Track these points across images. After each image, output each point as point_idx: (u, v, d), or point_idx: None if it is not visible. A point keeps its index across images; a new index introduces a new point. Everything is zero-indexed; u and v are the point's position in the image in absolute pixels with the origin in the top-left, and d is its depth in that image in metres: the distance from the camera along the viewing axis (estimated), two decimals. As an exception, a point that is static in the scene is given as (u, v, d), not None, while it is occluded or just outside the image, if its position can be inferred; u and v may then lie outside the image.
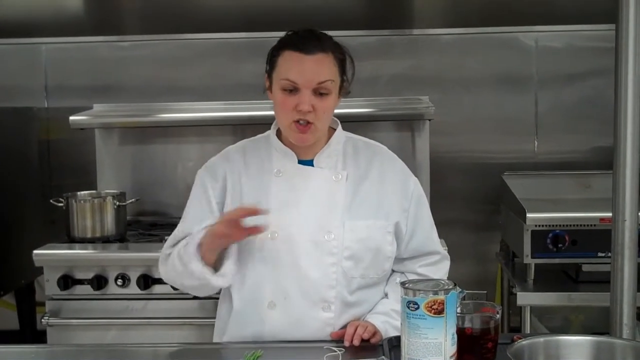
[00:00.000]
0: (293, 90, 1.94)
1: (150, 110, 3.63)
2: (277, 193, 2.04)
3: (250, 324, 2.04)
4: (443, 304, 1.63)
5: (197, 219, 2.08)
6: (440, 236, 3.22)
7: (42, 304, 3.63)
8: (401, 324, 1.68)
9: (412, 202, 2.12)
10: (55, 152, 3.95)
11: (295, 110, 1.94)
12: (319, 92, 1.95)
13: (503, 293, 3.67)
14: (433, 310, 1.63)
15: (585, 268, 3.12)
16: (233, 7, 3.79)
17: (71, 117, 3.56)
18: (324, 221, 2.03)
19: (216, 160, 2.14)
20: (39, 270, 3.37)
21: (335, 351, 1.88)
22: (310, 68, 1.94)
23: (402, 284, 1.69)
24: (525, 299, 3.07)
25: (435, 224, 3.48)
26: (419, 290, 1.64)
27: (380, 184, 2.08)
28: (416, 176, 3.62)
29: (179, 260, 2.02)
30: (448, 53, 3.89)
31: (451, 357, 1.64)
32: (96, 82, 3.97)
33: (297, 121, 1.96)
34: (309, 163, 2.07)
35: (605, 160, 3.72)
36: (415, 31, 3.93)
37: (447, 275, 2.19)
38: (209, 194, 2.09)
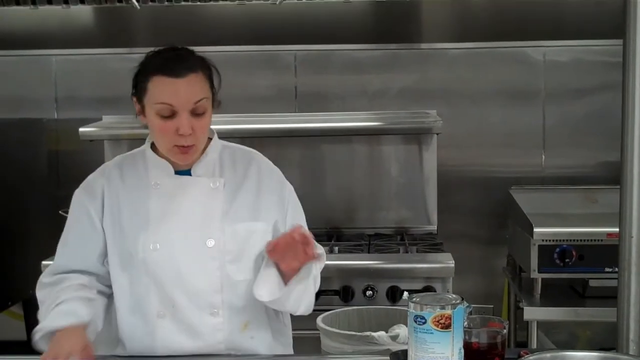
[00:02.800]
0: (170, 115, 1.94)
1: (159, 122, 3.65)
2: (156, 205, 2.04)
3: (141, 335, 2.04)
4: (450, 318, 1.63)
5: (80, 242, 2.06)
6: (446, 250, 3.27)
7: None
8: (408, 338, 1.69)
9: (289, 207, 2.15)
10: (64, 163, 3.97)
11: (176, 134, 1.94)
12: (196, 112, 1.95)
13: (510, 307, 3.66)
14: (440, 325, 1.63)
15: (592, 283, 3.12)
16: (243, 20, 3.82)
17: (80, 129, 3.59)
18: (204, 228, 2.04)
19: (93, 178, 2.13)
20: (47, 281, 3.39)
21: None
22: (183, 90, 1.93)
23: (410, 298, 1.69)
24: (532, 313, 3.07)
25: (443, 238, 3.54)
26: (426, 304, 1.65)
27: (257, 189, 2.11)
28: (424, 190, 3.74)
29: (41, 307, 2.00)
30: (456, 67, 3.90)
31: (458, 371, 1.65)
32: (106, 94, 3.99)
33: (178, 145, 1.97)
34: (187, 173, 2.08)
35: (613, 175, 3.73)
36: (424, 45, 3.94)
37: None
38: (90, 212, 2.06)
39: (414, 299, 1.68)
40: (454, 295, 1.71)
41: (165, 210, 2.04)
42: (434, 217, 3.73)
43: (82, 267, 2.04)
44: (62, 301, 1.94)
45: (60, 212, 3.41)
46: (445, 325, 1.63)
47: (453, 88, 3.90)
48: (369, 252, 3.32)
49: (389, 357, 1.99)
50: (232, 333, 2.05)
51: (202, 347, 2.02)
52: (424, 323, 1.64)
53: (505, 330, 1.75)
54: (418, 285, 3.08)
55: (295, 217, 2.15)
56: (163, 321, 2.02)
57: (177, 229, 2.03)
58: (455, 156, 3.86)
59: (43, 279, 2.07)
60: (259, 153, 2.21)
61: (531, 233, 3.07)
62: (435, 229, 3.71)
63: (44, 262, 3.20)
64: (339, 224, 3.74)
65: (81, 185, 2.13)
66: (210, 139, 2.11)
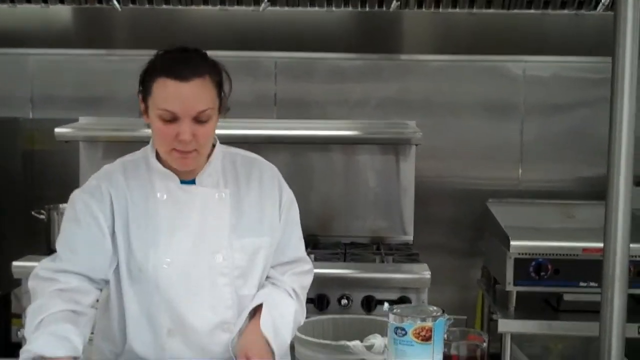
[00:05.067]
0: (172, 119, 1.89)
1: (136, 125, 3.61)
2: (164, 218, 2.00)
3: (150, 350, 2.00)
4: (431, 330, 1.63)
5: (89, 249, 1.97)
6: (422, 260, 3.27)
7: (17, 316, 3.61)
8: (387, 348, 1.68)
9: (283, 212, 2.12)
10: (38, 164, 3.91)
11: (176, 139, 1.90)
12: (199, 119, 1.90)
13: (483, 319, 3.67)
14: (421, 337, 1.62)
15: (566, 297, 3.14)
16: (224, 25, 3.80)
17: (56, 129, 3.54)
18: (213, 243, 2.01)
19: (98, 182, 2.03)
20: (16, 282, 3.33)
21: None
22: (187, 97, 1.87)
23: (390, 309, 1.68)
24: (506, 326, 3.07)
25: (418, 248, 3.54)
26: (407, 316, 1.64)
27: (260, 198, 2.08)
28: (401, 200, 3.74)
29: (31, 314, 1.90)
30: (437, 79, 3.91)
31: (437, 384, 1.64)
32: (83, 95, 3.95)
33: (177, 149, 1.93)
34: (192, 183, 2.04)
35: (589, 191, 3.81)
36: (405, 56, 3.95)
37: (306, 291, 2.21)
38: (99, 217, 1.97)
39: (395, 311, 1.67)
40: (434, 308, 1.71)
41: (174, 224, 2.00)
42: (410, 227, 3.73)
43: (85, 273, 1.97)
44: (51, 314, 1.86)
45: (32, 212, 3.37)
46: (425, 337, 1.62)
47: (433, 99, 3.90)
48: (344, 261, 3.30)
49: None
50: None
51: None
52: (404, 335, 1.63)
53: (485, 344, 1.74)
54: (393, 295, 3.07)
55: (288, 224, 2.13)
56: (173, 339, 1.99)
57: (187, 244, 1.99)
58: (433, 167, 3.87)
59: (40, 272, 1.98)
60: (260, 158, 2.16)
61: (507, 246, 3.08)
62: (412, 239, 3.71)
63: (14, 263, 3.15)
64: (315, 231, 3.72)
65: (84, 189, 2.04)
66: (213, 147, 2.06)
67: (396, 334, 1.64)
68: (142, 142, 3.75)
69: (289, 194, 2.15)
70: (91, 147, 3.76)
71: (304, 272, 2.19)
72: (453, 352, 1.71)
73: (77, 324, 1.87)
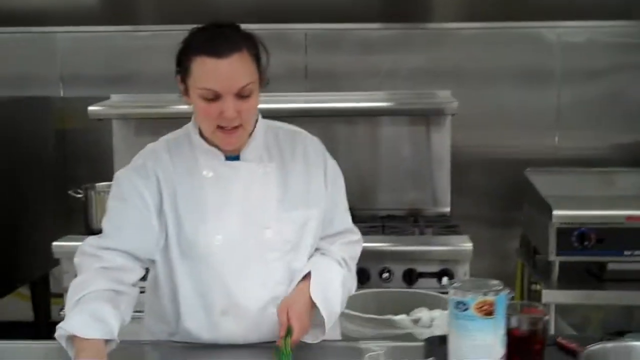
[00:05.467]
0: (214, 98, 1.86)
1: (168, 102, 3.58)
2: (211, 195, 1.98)
3: (203, 329, 2.00)
4: (493, 305, 1.60)
5: (136, 228, 1.96)
6: (460, 232, 3.24)
7: (57, 295, 3.62)
8: (448, 324, 1.65)
9: (329, 183, 2.08)
10: (71, 143, 3.90)
11: (220, 117, 1.87)
12: (241, 95, 1.87)
13: (523, 290, 3.63)
14: (483, 312, 1.59)
15: (610, 266, 3.09)
16: (249, -2, 3.75)
17: (89, 107, 3.53)
18: (262, 218, 1.98)
19: (143, 160, 2.01)
20: (54, 262, 3.34)
21: (376, 350, 1.84)
22: (227, 73, 1.84)
23: (451, 284, 1.65)
24: (550, 296, 3.04)
25: (456, 220, 3.50)
26: (468, 290, 1.61)
27: (305, 171, 2.05)
28: (436, 171, 3.69)
29: (72, 290, 1.87)
30: (469, 47, 3.84)
31: (500, 359, 1.61)
32: (112, 72, 3.92)
33: (222, 126, 1.90)
34: (236, 159, 2.01)
35: (627, 157, 3.74)
36: (436, 25, 3.88)
37: (356, 261, 2.18)
38: (145, 196, 1.96)
39: (456, 285, 1.64)
40: (496, 281, 1.67)
41: (221, 201, 1.97)
42: (447, 198, 3.69)
43: (131, 251, 1.95)
44: (91, 292, 1.84)
45: (69, 192, 3.36)
46: (488, 312, 1.59)
47: (466, 68, 3.84)
48: (383, 234, 3.28)
49: (420, 342, 1.96)
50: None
51: (266, 337, 1.98)
52: (466, 310, 1.60)
53: (547, 317, 1.72)
54: (434, 268, 3.05)
55: (334, 195, 2.10)
56: (226, 318, 1.98)
57: (235, 221, 1.97)
58: (468, 137, 3.80)
59: (86, 248, 1.97)
60: (302, 130, 2.12)
61: (549, 215, 3.03)
62: (449, 210, 3.67)
63: (54, 243, 3.15)
64: (350, 205, 3.66)
65: (129, 167, 2.02)
66: (255, 121, 2.03)
67: (457, 308, 1.61)
68: (174, 119, 3.73)
69: (333, 166, 2.12)
70: (124, 124, 3.74)
71: (352, 242, 2.17)
72: (515, 326, 1.69)
73: (117, 305, 1.85)
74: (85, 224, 3.30)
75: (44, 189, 3.69)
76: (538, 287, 3.23)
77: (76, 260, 1.99)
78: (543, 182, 3.38)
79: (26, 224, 3.49)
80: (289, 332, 1.83)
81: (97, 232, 3.18)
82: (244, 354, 1.95)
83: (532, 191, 3.37)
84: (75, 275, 1.94)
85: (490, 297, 1.60)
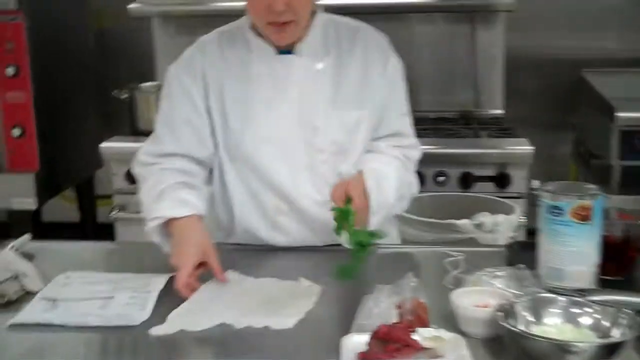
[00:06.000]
0: None
1: (209, -1, 3.47)
2: (260, 92, 1.89)
3: (260, 229, 1.94)
4: (590, 209, 1.51)
5: (183, 125, 1.89)
6: (517, 135, 3.13)
7: (102, 197, 3.60)
8: (541, 229, 1.57)
9: (388, 83, 1.96)
10: (110, 42, 3.78)
11: (269, 11, 1.77)
12: None
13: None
14: (579, 217, 1.51)
15: (675, 170, 3.00)
16: None
17: (129, 6, 3.41)
18: (311, 117, 1.89)
19: (192, 55, 1.94)
20: (99, 164, 3.30)
21: (456, 256, 1.78)
22: None
23: (542, 187, 1.57)
24: (612, 202, 2.95)
25: (509, 122, 3.39)
26: (563, 194, 1.53)
27: (363, 68, 1.92)
28: (489, 72, 3.56)
29: (146, 194, 1.85)
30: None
31: (595, 266, 1.54)
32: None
33: (272, 22, 1.80)
34: (290, 52, 1.90)
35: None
36: None
37: (416, 167, 2.05)
38: (192, 93, 1.90)
39: (549, 188, 1.56)
40: (590, 185, 1.59)
41: (271, 97, 1.89)
42: (500, 100, 3.57)
43: (188, 153, 1.90)
44: (168, 185, 1.81)
45: (114, 92, 3.28)
46: (584, 217, 1.51)
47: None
48: (437, 137, 3.18)
49: (499, 248, 1.89)
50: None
51: (325, 240, 1.91)
52: (560, 214, 1.52)
53: (641, 222, 1.64)
54: (491, 172, 2.97)
55: (392, 94, 1.97)
56: (282, 216, 1.92)
57: (284, 119, 1.88)
58: (522, 37, 3.63)
59: (142, 157, 1.92)
60: (366, 25, 1.99)
61: (611, 117, 2.92)
62: (502, 113, 3.55)
63: (102, 145, 3.10)
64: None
65: (177, 62, 1.94)
66: (314, 14, 1.90)
67: (551, 213, 1.53)
68: (216, 16, 3.61)
69: (395, 64, 1.98)
70: (164, 22, 3.62)
71: (407, 146, 2.02)
72: (608, 232, 1.61)
73: (194, 190, 1.84)
74: (131, 125, 3.22)
75: (86, 90, 3.60)
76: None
77: (136, 170, 1.95)
78: (602, 84, 3.26)
79: (70, 126, 3.42)
80: (347, 212, 1.71)
81: (143, 133, 3.18)
82: (303, 256, 1.90)
83: (591, 93, 3.24)
84: (140, 186, 1.90)
85: (587, 202, 1.51)
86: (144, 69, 3.63)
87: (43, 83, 3.17)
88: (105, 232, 3.18)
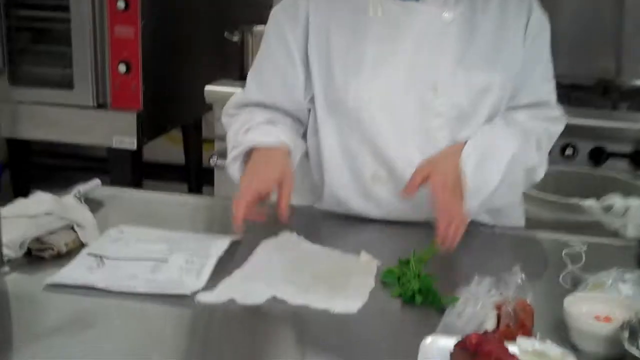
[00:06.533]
0: None
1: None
2: (373, 41, 1.64)
3: (351, 196, 1.71)
4: None
5: (275, 74, 1.72)
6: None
7: (209, 141, 3.49)
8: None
9: (528, 40, 1.68)
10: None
11: None
12: None
13: None
14: None
15: None
16: None
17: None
18: (431, 75, 1.63)
19: None
20: (208, 107, 3.18)
21: (576, 246, 1.52)
22: None
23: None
24: None
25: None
26: None
27: (499, 22, 1.65)
28: (633, 36, 3.19)
29: (233, 135, 1.69)
30: None
31: None
32: None
33: None
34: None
35: None
36: None
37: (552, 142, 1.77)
38: (288, 39, 1.69)
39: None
40: None
41: (384, 49, 1.65)
42: (644, 69, 3.21)
43: (271, 102, 1.72)
44: (255, 122, 1.66)
45: (225, 35, 3.13)
46: None
47: None
48: (568, 105, 2.86)
49: (630, 243, 1.62)
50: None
51: (424, 216, 1.65)
52: None
53: None
54: (627, 148, 2.65)
55: (534, 54, 1.70)
56: (379, 187, 1.69)
57: (397, 76, 1.64)
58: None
59: (228, 108, 1.78)
60: None
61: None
62: (645, 83, 3.19)
63: (207, 88, 2.97)
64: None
65: (282, 3, 1.75)
66: None
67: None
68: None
69: (538, 18, 1.70)
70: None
71: (549, 118, 1.77)
72: None
73: (288, 129, 1.69)
74: (240, 70, 3.07)
75: (199, 29, 3.47)
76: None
77: (223, 121, 1.80)
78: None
79: (178, 65, 3.30)
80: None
81: (253, 78, 3.03)
82: (397, 231, 1.67)
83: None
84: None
85: None
86: (263, 10, 3.45)
87: (153, 19, 3.05)
88: (208, 177, 3.08)
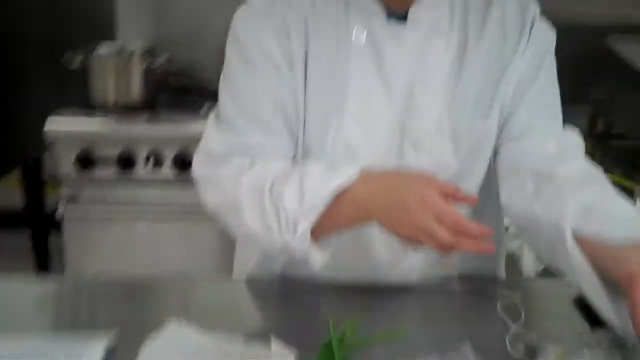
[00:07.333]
0: None
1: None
2: (355, 70, 1.35)
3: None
4: None
5: (262, 96, 1.34)
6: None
7: (50, 182, 3.10)
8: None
9: (532, 69, 1.37)
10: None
11: None
12: None
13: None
14: None
15: None
16: None
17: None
18: (412, 123, 1.36)
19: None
20: (49, 143, 2.82)
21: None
22: None
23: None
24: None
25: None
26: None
27: (495, 52, 1.36)
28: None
29: (261, 195, 1.26)
30: None
31: None
32: None
33: None
34: (403, 17, 1.34)
35: None
36: None
37: None
38: (271, 49, 1.34)
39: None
40: None
41: (368, 82, 1.34)
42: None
43: (276, 149, 1.36)
44: (280, 175, 1.28)
45: (63, 57, 2.77)
46: None
47: None
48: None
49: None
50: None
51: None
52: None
53: None
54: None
55: (536, 96, 1.38)
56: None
57: (380, 115, 1.35)
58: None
59: (214, 147, 1.37)
60: None
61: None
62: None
63: (48, 123, 2.63)
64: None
65: (248, 9, 1.38)
66: None
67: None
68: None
69: (543, 39, 1.38)
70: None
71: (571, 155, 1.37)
72: None
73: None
74: (84, 99, 2.71)
75: (34, 53, 3.07)
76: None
77: (199, 172, 1.38)
78: (630, 52, 2.86)
79: (15, 97, 2.91)
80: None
81: (98, 108, 2.68)
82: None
83: (617, 62, 2.84)
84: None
85: None
86: (101, 28, 3.15)
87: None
88: (54, 226, 2.73)
